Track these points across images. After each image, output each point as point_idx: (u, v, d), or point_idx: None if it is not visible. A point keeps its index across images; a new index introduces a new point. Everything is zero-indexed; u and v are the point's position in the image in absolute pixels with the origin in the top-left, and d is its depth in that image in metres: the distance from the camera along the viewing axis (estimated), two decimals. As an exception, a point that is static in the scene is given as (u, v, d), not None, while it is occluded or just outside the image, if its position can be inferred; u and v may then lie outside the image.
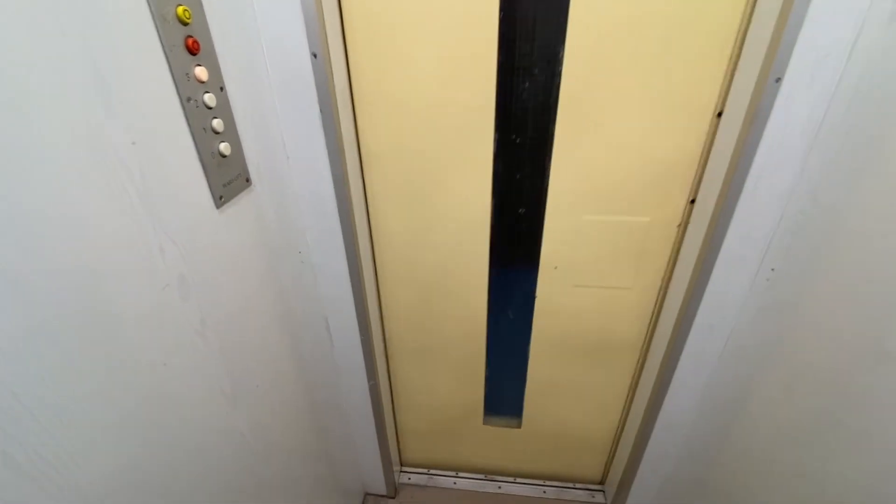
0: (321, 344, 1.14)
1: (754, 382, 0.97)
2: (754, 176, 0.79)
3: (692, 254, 0.94)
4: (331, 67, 0.82)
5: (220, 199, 0.69)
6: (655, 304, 1.11)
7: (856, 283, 0.72)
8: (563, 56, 0.84)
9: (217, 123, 0.66)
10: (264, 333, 0.87)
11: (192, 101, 0.61)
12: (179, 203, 0.61)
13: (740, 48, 0.79)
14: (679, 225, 0.99)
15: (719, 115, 0.85)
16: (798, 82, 0.71)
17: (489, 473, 1.57)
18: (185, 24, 0.59)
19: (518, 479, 1.55)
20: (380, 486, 1.51)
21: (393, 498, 1.53)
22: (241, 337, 0.78)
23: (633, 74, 0.84)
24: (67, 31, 0.45)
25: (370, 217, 1.09)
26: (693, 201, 0.95)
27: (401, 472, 1.62)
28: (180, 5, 0.58)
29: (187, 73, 0.60)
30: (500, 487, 1.53)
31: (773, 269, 0.87)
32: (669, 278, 1.05)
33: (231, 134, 0.70)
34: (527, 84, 0.88)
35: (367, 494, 1.55)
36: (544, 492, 1.51)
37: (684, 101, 0.85)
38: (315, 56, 0.79)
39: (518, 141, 0.94)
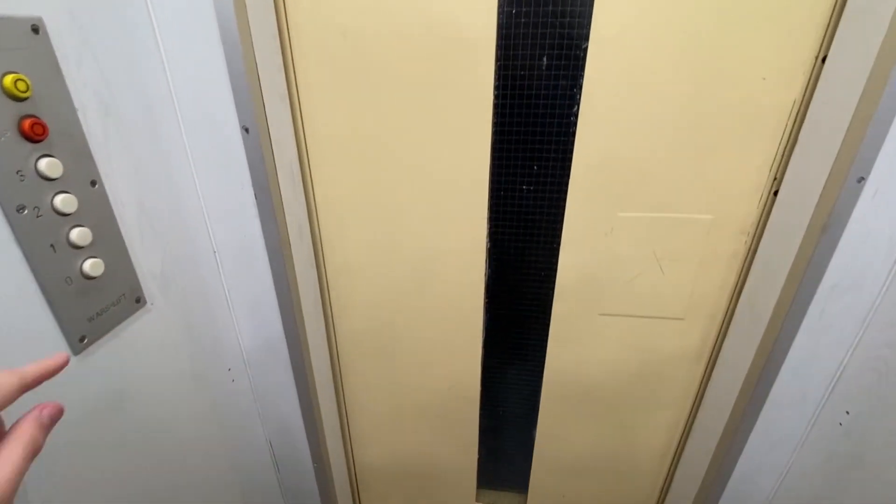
0: (264, 473, 0.90)
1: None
2: (820, 298, 0.60)
3: (732, 393, 0.74)
4: (269, 140, 0.63)
5: (83, 341, 0.47)
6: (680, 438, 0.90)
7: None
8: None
9: (78, 235, 0.45)
10: None
11: (24, 211, 0.41)
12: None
13: (798, 129, 0.61)
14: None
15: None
16: (887, 184, 0.53)
17: None
18: (19, 99, 0.40)
19: None
20: None
21: None
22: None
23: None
24: None
25: (332, 313, 0.88)
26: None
27: None
28: (8, 74, 0.39)
29: (20, 171, 0.40)
30: None
31: (847, 413, 0.66)
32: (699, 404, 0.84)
33: (106, 244, 0.50)
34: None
35: None
36: None
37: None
38: (247, 130, 0.60)
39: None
